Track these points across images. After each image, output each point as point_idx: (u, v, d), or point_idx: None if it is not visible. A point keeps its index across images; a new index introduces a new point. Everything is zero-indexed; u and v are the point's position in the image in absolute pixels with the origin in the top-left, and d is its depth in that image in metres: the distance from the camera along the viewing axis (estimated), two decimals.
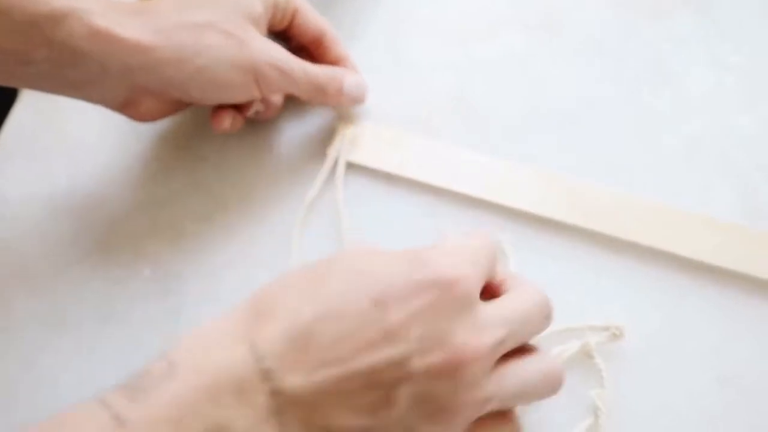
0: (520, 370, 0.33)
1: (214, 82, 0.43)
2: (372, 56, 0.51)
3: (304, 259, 0.46)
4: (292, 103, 0.50)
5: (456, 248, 0.34)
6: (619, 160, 0.48)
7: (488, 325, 0.32)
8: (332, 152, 0.48)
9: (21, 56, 0.40)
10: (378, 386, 0.30)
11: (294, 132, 0.50)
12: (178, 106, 0.46)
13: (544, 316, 0.35)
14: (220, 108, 0.46)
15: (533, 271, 0.44)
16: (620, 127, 0.49)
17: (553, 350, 0.41)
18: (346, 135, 0.48)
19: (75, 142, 0.50)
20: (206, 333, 0.31)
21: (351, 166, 0.48)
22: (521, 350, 0.34)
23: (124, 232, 0.47)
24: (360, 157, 0.48)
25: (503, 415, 0.34)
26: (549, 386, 0.34)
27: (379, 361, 0.30)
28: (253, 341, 0.29)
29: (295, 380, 0.29)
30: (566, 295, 0.43)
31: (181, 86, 0.42)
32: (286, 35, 0.48)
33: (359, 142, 0.48)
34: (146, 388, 0.28)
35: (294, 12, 0.47)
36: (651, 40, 0.52)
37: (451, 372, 0.30)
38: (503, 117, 0.50)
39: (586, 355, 0.42)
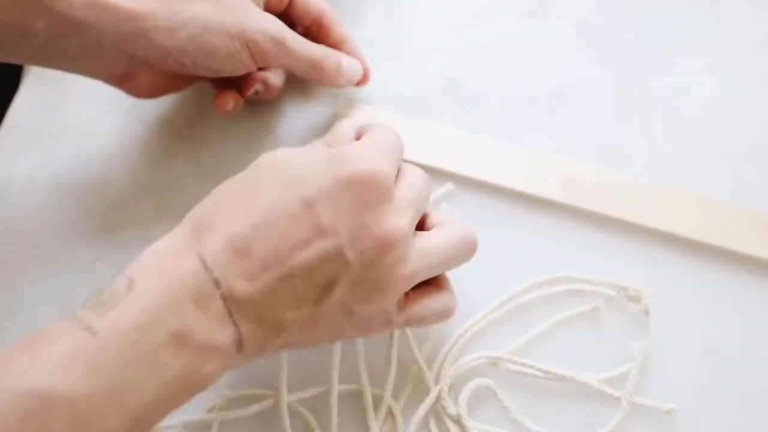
0: (440, 239, 0.37)
1: (206, 50, 0.43)
2: (369, 43, 0.52)
3: None
4: (293, 86, 0.50)
5: (367, 143, 0.37)
6: (608, 140, 0.49)
7: (404, 209, 0.36)
8: None
9: (21, 29, 0.40)
10: (317, 279, 0.33)
11: (294, 116, 0.51)
12: (176, 81, 0.46)
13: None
14: (222, 90, 0.47)
15: (521, 247, 0.46)
16: (608, 109, 0.51)
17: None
18: (346, 120, 0.49)
19: (78, 126, 0.51)
20: (158, 251, 0.33)
21: None
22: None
23: (128, 215, 0.48)
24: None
25: (437, 285, 0.39)
26: (466, 250, 0.39)
27: (315, 256, 0.33)
28: (200, 254, 0.32)
29: (242, 285, 0.32)
30: (555, 270, 0.45)
31: (175, 55, 0.43)
32: (286, 17, 0.48)
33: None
34: (111, 302, 0.31)
35: None
36: (638, 24, 0.53)
37: (382, 254, 0.34)
38: (495, 100, 0.51)
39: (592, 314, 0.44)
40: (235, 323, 0.32)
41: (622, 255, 0.46)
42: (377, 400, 0.42)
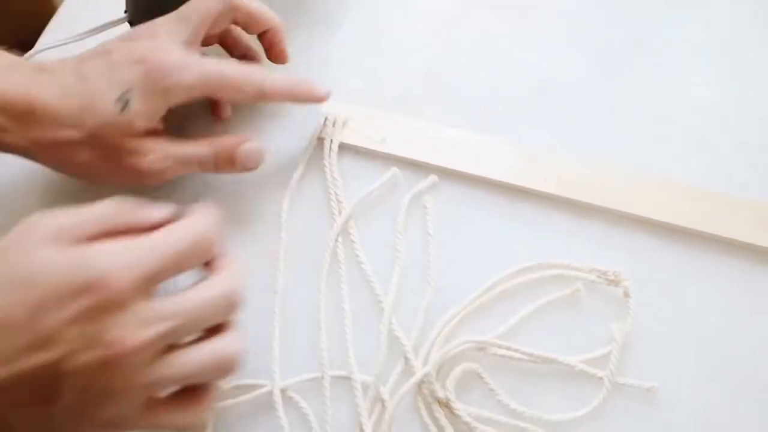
0: (189, 356, 0.35)
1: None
2: (352, 41, 0.54)
3: (292, 236, 0.48)
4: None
5: (131, 243, 0.34)
6: (591, 131, 0.51)
7: (149, 321, 0.33)
8: (318, 133, 0.51)
9: None
10: (38, 386, 0.32)
11: (281, 115, 0.52)
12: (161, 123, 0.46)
13: (223, 308, 0.36)
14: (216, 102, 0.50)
15: (504, 236, 0.47)
16: (592, 100, 0.52)
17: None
18: (330, 117, 0.51)
19: None
20: None
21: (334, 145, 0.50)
22: (211, 331, 0.37)
23: None
24: (343, 137, 0.50)
25: (190, 396, 0.37)
26: (220, 370, 0.36)
27: (34, 365, 0.31)
28: None
29: None
30: (537, 257, 0.46)
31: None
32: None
33: (343, 122, 0.51)
34: None
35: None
36: (621, 16, 0.55)
37: (105, 367, 0.32)
38: (478, 94, 0.53)
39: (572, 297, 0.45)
40: None
41: (603, 242, 0.47)
42: (366, 386, 0.43)
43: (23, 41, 0.55)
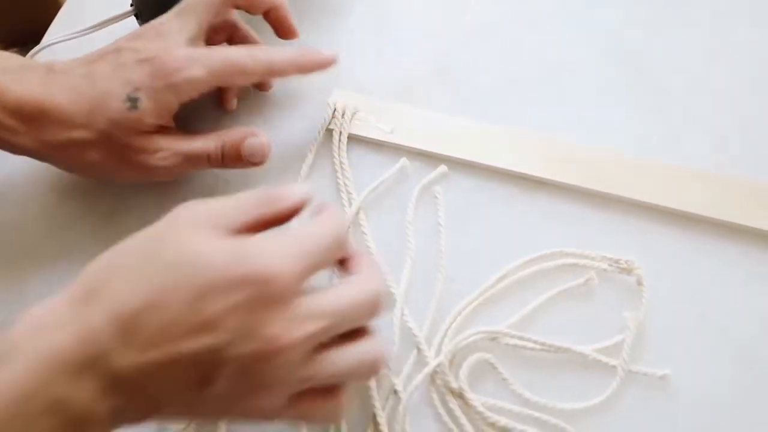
0: (337, 356, 0.35)
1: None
2: (358, 32, 0.54)
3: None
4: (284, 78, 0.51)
5: (286, 240, 0.34)
6: (595, 117, 0.51)
7: (304, 318, 0.33)
8: (327, 125, 0.50)
9: None
10: (197, 369, 0.32)
11: (288, 105, 0.52)
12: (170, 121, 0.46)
13: (371, 309, 0.36)
14: (225, 91, 0.50)
15: (515, 225, 0.47)
16: (596, 87, 0.52)
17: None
18: (339, 108, 0.51)
19: None
20: (44, 313, 0.32)
21: (343, 136, 0.50)
22: (353, 332, 0.36)
23: (131, 209, 0.49)
24: (352, 128, 0.50)
25: (329, 391, 0.37)
26: (367, 371, 0.37)
27: (197, 349, 0.32)
28: (84, 325, 0.32)
29: (123, 361, 0.32)
30: (549, 246, 0.46)
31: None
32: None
33: (352, 113, 0.51)
34: None
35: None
36: (617, 2, 0.55)
37: (263, 360, 0.33)
38: (487, 82, 0.53)
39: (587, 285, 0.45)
40: (111, 397, 0.32)
41: (614, 229, 0.47)
42: (380, 378, 0.43)
43: (30, 35, 0.55)
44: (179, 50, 0.44)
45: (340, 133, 0.50)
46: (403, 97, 0.52)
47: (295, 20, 0.50)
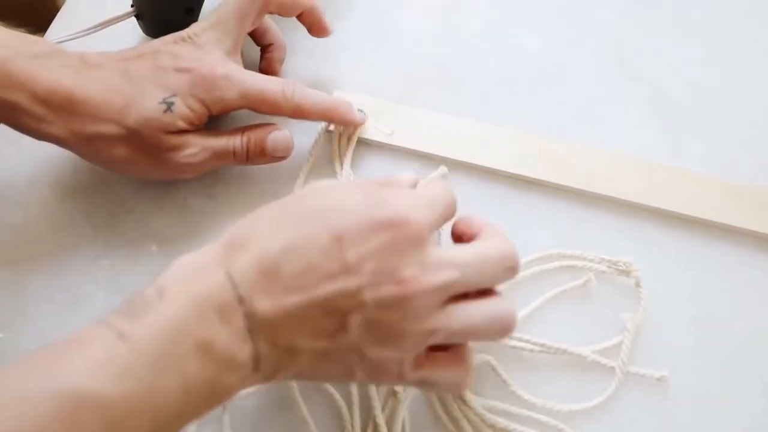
0: (470, 309, 0.36)
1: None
2: (358, 33, 0.54)
3: None
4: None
5: (414, 193, 0.37)
6: (594, 119, 0.51)
7: (439, 265, 0.35)
8: (327, 126, 0.50)
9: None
10: (334, 313, 0.34)
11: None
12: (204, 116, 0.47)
13: (505, 267, 0.37)
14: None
15: (514, 227, 0.47)
16: (594, 89, 0.52)
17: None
18: None
19: None
20: (190, 263, 0.34)
21: (343, 138, 0.50)
22: (482, 293, 0.37)
23: (130, 211, 0.49)
24: (353, 130, 0.50)
25: (456, 356, 0.38)
26: (497, 328, 0.37)
27: (335, 291, 0.33)
28: (229, 270, 0.33)
29: (264, 305, 0.33)
30: (548, 248, 0.46)
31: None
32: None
33: None
34: (142, 310, 0.32)
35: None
36: (617, 3, 0.55)
37: (399, 303, 0.34)
38: (483, 83, 0.53)
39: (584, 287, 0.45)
40: (253, 341, 0.33)
41: (614, 232, 0.47)
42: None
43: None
44: (218, 68, 0.45)
45: (340, 135, 0.50)
46: (402, 98, 0.52)
47: (294, 25, 0.51)
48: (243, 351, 0.33)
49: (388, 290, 0.34)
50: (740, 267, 0.46)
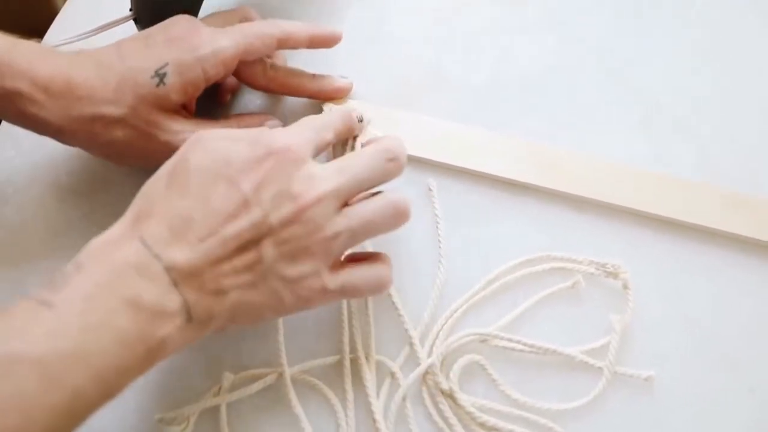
0: (364, 205, 0.40)
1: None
2: (352, 39, 0.54)
3: None
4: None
5: (289, 127, 0.41)
6: (583, 125, 0.52)
7: (323, 176, 0.39)
8: None
9: None
10: (247, 245, 0.37)
11: (288, 114, 0.53)
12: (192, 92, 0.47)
13: (387, 159, 0.41)
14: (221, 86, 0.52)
15: (505, 230, 0.49)
16: (582, 94, 0.53)
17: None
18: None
19: None
20: (103, 239, 0.37)
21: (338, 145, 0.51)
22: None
23: None
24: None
25: (373, 258, 0.42)
26: (393, 214, 0.41)
27: (243, 225, 0.37)
28: (142, 236, 0.36)
29: (181, 256, 0.36)
30: (538, 251, 0.47)
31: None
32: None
33: None
34: (63, 282, 0.34)
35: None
36: (608, 10, 0.56)
37: (298, 217, 0.38)
38: (475, 90, 0.54)
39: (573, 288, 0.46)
40: (180, 291, 0.35)
41: (601, 234, 0.48)
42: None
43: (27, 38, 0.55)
44: (205, 29, 0.47)
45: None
46: (396, 103, 0.53)
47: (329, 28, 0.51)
48: (171, 301, 0.35)
49: (287, 208, 0.38)
50: (727, 271, 0.47)
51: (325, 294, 0.40)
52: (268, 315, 0.39)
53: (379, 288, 0.42)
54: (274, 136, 0.39)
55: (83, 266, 0.35)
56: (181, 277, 0.36)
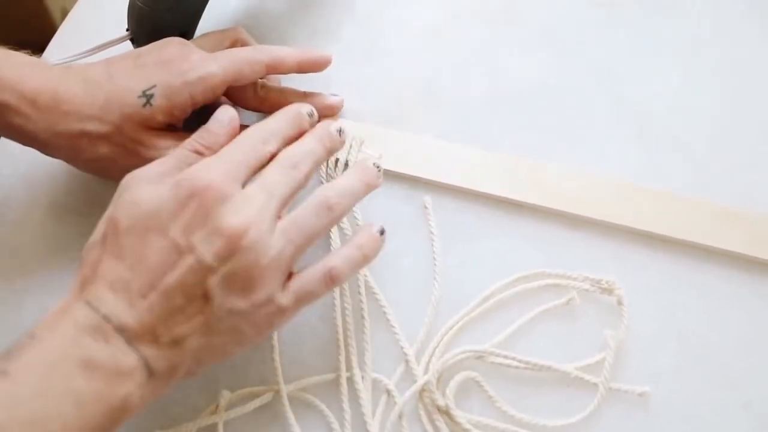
0: (296, 214, 0.40)
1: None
2: (346, 58, 0.55)
3: None
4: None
5: (213, 158, 0.40)
6: (578, 141, 0.53)
7: (246, 200, 0.38)
8: None
9: None
10: (192, 290, 0.37)
11: None
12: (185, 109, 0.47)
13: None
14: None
15: (499, 247, 0.49)
16: (578, 110, 0.54)
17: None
18: None
19: None
20: (53, 311, 0.36)
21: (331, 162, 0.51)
22: None
23: None
24: (341, 154, 0.50)
25: (317, 267, 0.40)
26: (327, 212, 0.40)
27: (181, 273, 0.36)
28: (88, 301, 0.36)
29: (128, 316, 0.36)
30: (532, 268, 0.47)
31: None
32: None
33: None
34: (17, 352, 0.34)
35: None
36: (602, 27, 0.57)
37: (234, 247, 0.37)
38: (470, 108, 0.54)
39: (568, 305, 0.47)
40: (136, 349, 0.36)
41: (595, 251, 0.48)
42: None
43: None
44: (195, 53, 0.47)
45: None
46: (390, 121, 0.53)
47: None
48: (128, 359, 0.35)
49: (218, 244, 0.37)
50: (722, 287, 0.47)
51: (284, 313, 0.39)
52: (234, 350, 0.39)
53: (330, 283, 0.40)
54: (197, 174, 0.38)
55: (36, 335, 0.35)
56: (133, 335, 0.36)
